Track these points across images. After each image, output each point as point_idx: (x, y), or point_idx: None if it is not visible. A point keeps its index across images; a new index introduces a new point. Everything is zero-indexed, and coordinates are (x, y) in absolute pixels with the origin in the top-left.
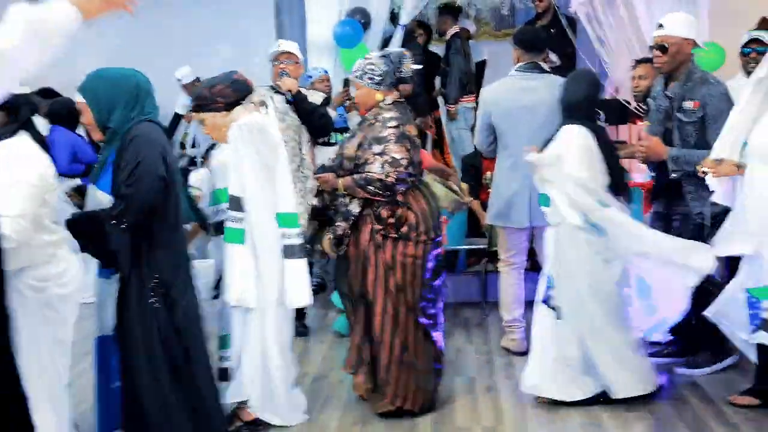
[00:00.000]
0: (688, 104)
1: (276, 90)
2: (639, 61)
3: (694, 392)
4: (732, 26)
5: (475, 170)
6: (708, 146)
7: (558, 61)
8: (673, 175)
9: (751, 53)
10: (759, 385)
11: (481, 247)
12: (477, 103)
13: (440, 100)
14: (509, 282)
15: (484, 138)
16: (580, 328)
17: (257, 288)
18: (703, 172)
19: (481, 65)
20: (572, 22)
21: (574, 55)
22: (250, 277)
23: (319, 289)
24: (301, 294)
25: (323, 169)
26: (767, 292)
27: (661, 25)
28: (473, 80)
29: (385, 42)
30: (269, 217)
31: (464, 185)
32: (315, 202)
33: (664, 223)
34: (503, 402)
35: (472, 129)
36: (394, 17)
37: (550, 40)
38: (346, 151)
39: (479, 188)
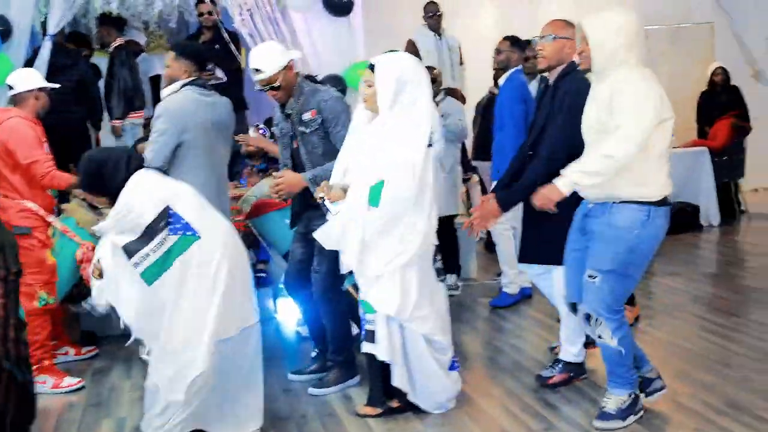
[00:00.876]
0: (307, 115)
1: None
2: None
3: (346, 405)
4: (386, 45)
5: None
6: (336, 152)
7: (224, 77)
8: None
9: None
10: (372, 393)
11: None
12: (146, 120)
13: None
14: None
15: (167, 156)
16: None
17: None
18: (320, 198)
19: (156, 79)
20: (235, 38)
21: (239, 71)
22: None
23: None
24: None
25: None
26: (369, 305)
27: (257, 70)
28: (142, 95)
29: (34, 53)
30: None
31: None
32: None
33: (305, 243)
34: None
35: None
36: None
37: (215, 56)
38: None
39: None
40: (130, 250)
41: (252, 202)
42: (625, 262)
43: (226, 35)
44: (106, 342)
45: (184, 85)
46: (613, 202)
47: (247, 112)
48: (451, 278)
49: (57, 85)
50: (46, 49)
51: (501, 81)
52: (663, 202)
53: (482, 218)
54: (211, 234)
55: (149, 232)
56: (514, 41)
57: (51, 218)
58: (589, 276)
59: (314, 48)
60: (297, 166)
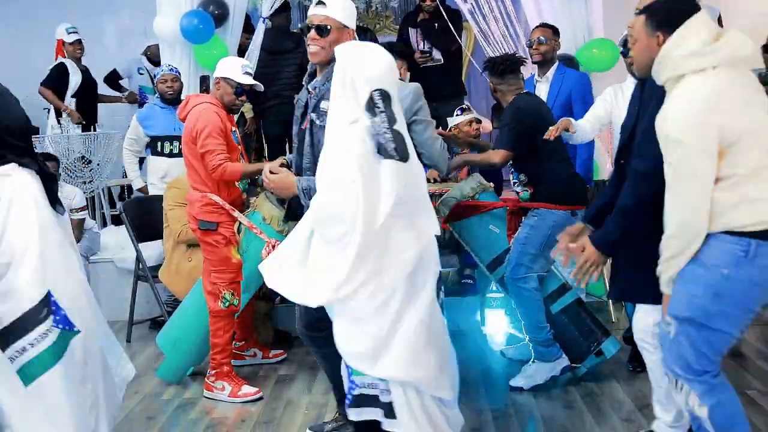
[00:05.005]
0: (325, 105)
1: None
2: None
3: None
4: (629, 19)
5: None
6: None
7: (441, 59)
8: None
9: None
10: None
11: None
12: None
13: None
14: None
15: None
16: None
17: None
18: None
19: None
20: (456, 16)
21: (460, 52)
22: None
23: None
24: None
25: None
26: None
27: (321, 2)
28: None
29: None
30: None
31: None
32: None
33: None
34: None
35: None
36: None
37: (434, 36)
38: None
39: None
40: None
41: (451, 204)
42: (707, 310)
43: (444, 13)
44: (298, 342)
45: None
46: None
47: (465, 98)
48: None
49: (244, 81)
50: (259, 32)
51: (550, 75)
52: None
53: (583, 271)
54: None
55: (26, 323)
56: (555, 29)
57: (236, 213)
58: (666, 323)
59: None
60: (299, 152)
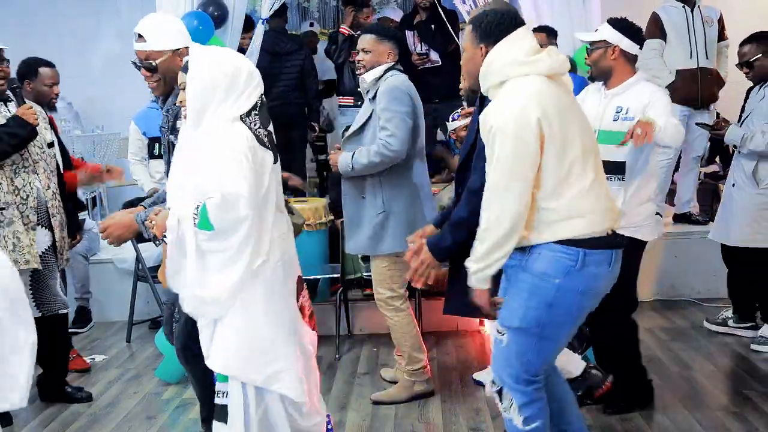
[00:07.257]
0: (180, 123)
1: None
2: None
3: None
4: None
5: None
6: None
7: (439, 60)
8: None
9: None
10: None
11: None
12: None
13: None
14: (410, 319)
15: (407, 141)
16: None
17: None
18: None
19: None
20: (453, 17)
21: (458, 53)
22: None
23: None
24: None
25: None
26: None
27: (140, 36)
28: None
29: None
30: None
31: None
32: None
33: None
34: None
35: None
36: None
37: (431, 37)
38: None
39: None
40: None
41: None
42: (541, 319)
43: (442, 14)
44: None
45: (387, 69)
46: (533, 245)
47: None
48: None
49: None
50: (258, 34)
51: None
52: (602, 243)
53: (419, 273)
54: None
55: None
56: (551, 31)
57: None
58: (498, 332)
59: (541, 25)
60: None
